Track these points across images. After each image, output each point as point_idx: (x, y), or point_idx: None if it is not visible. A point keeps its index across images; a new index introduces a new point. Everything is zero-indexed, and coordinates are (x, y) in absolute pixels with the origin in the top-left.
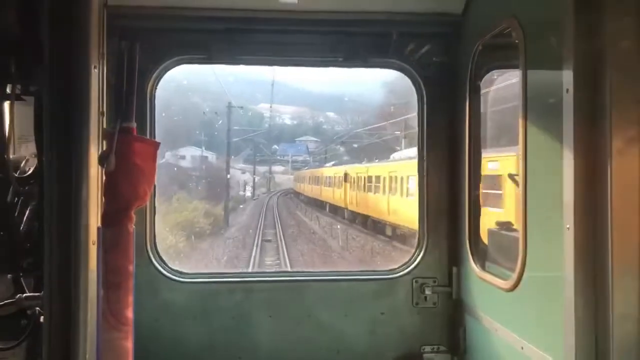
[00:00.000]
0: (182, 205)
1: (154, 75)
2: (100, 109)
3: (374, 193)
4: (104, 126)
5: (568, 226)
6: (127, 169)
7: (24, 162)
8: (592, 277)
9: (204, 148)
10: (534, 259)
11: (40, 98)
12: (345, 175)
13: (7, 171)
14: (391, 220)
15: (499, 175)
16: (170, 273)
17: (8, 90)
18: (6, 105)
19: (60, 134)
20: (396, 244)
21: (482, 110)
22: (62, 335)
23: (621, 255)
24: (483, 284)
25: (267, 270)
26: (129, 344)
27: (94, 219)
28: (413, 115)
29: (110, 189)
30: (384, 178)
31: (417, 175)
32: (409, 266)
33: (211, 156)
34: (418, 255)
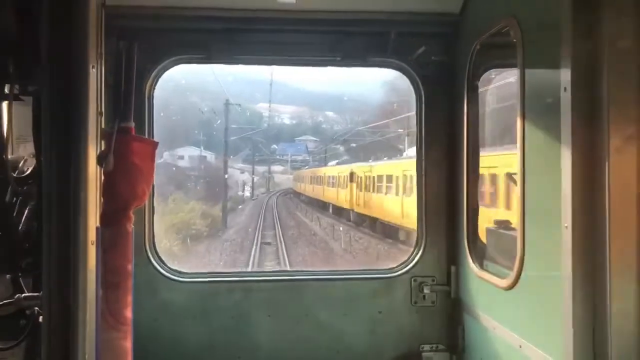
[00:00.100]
0: (179, 206)
1: (153, 75)
2: (99, 109)
3: (386, 194)
4: (103, 126)
5: (566, 225)
6: (125, 168)
7: (22, 162)
8: (590, 275)
9: (202, 148)
10: (532, 257)
11: (38, 98)
12: (352, 174)
13: (5, 171)
14: (405, 223)
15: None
16: (169, 273)
17: (6, 90)
18: (4, 105)
19: (58, 134)
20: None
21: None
22: (61, 335)
23: (619, 254)
24: (481, 282)
25: (266, 270)
26: (128, 344)
27: (93, 219)
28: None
29: (108, 189)
30: (397, 177)
31: (416, 175)
32: (407, 265)
33: (210, 156)
34: (417, 254)
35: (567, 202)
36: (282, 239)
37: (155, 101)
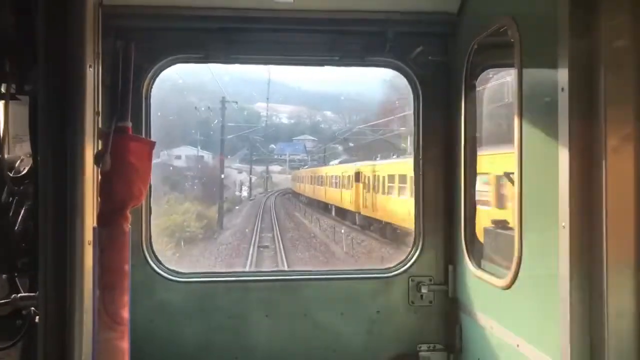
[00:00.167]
0: (172, 208)
1: (150, 75)
2: (96, 109)
3: (398, 195)
4: (99, 126)
5: (563, 224)
6: (122, 168)
7: (18, 162)
8: (587, 274)
9: (199, 147)
10: (530, 257)
11: (35, 97)
12: (357, 174)
13: (1, 171)
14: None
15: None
16: (166, 273)
17: (3, 90)
18: (1, 104)
19: (55, 133)
20: None
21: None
22: (58, 336)
23: (616, 253)
24: (479, 282)
25: (264, 270)
26: (125, 344)
27: (90, 219)
28: None
29: (105, 189)
30: (412, 178)
31: (413, 174)
32: (405, 265)
33: (207, 156)
34: (414, 253)
35: (564, 202)
36: (280, 242)
37: (153, 101)
